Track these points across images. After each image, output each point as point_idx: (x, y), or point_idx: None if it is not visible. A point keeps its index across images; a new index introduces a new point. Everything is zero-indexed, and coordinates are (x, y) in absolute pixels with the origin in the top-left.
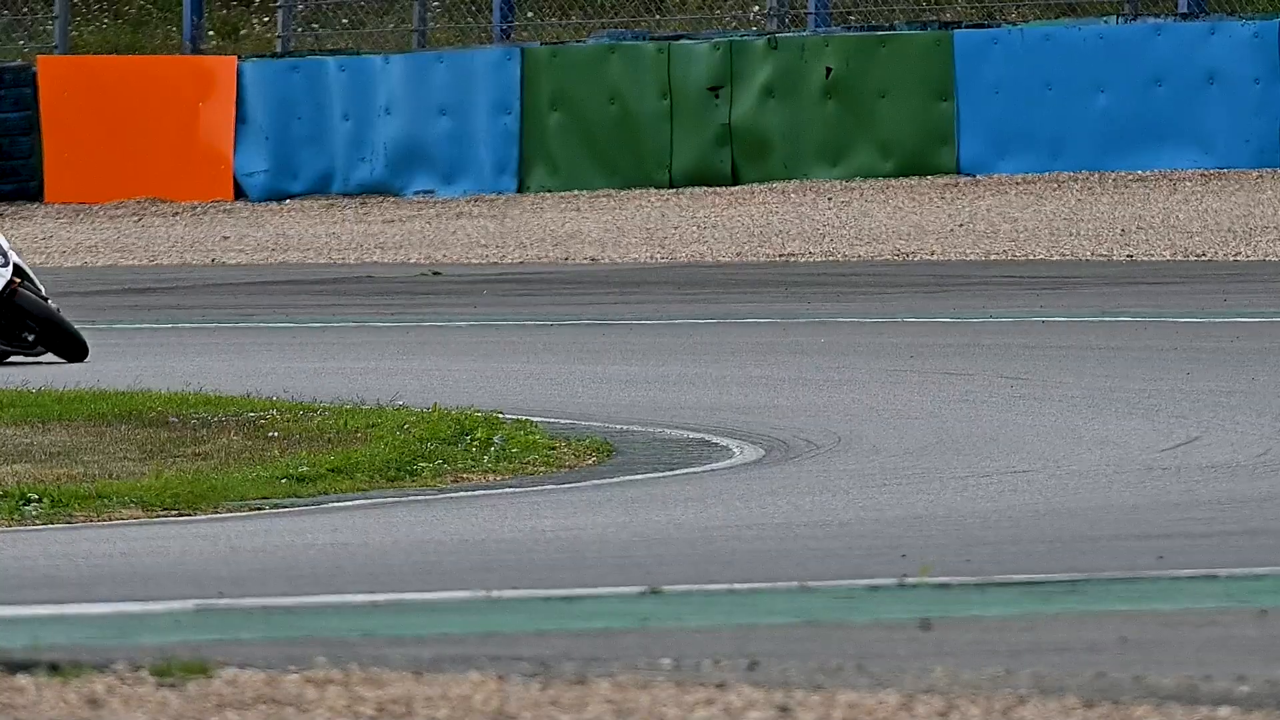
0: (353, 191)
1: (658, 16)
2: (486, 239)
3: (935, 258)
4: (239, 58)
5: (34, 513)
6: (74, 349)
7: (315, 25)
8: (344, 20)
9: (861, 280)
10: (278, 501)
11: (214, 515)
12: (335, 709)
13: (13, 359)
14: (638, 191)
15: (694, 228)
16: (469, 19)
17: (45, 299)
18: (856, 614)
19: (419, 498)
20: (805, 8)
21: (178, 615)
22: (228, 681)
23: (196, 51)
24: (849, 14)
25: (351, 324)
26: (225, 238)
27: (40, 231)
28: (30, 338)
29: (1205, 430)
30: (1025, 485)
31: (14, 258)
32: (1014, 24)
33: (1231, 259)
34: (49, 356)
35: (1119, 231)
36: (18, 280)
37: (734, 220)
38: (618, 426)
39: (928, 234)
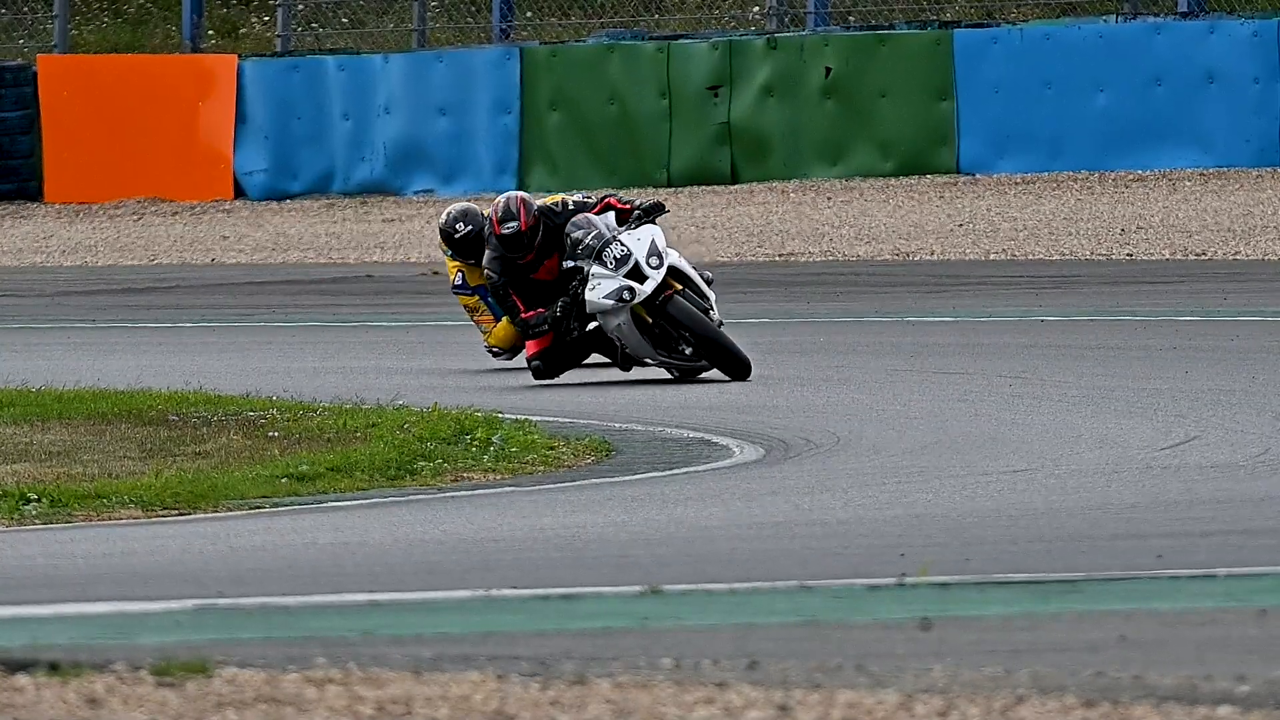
0: (353, 191)
1: (657, 16)
2: None
3: (935, 257)
4: (239, 57)
5: (33, 512)
6: (734, 366)
7: (315, 25)
8: (344, 20)
9: (861, 280)
10: (278, 501)
11: (214, 514)
12: (335, 708)
13: (703, 375)
14: (637, 191)
15: (693, 227)
16: (469, 19)
17: (707, 310)
18: (856, 613)
19: (419, 497)
20: (805, 7)
21: (177, 615)
22: (227, 681)
23: (196, 51)
24: (848, 14)
25: (351, 324)
26: (225, 237)
27: (40, 231)
28: (688, 350)
29: (1204, 429)
30: (1024, 484)
31: (673, 259)
32: (1013, 23)
33: (1231, 258)
34: (715, 373)
35: (1118, 231)
36: (678, 286)
37: (733, 220)
38: (617, 426)
39: (927, 233)
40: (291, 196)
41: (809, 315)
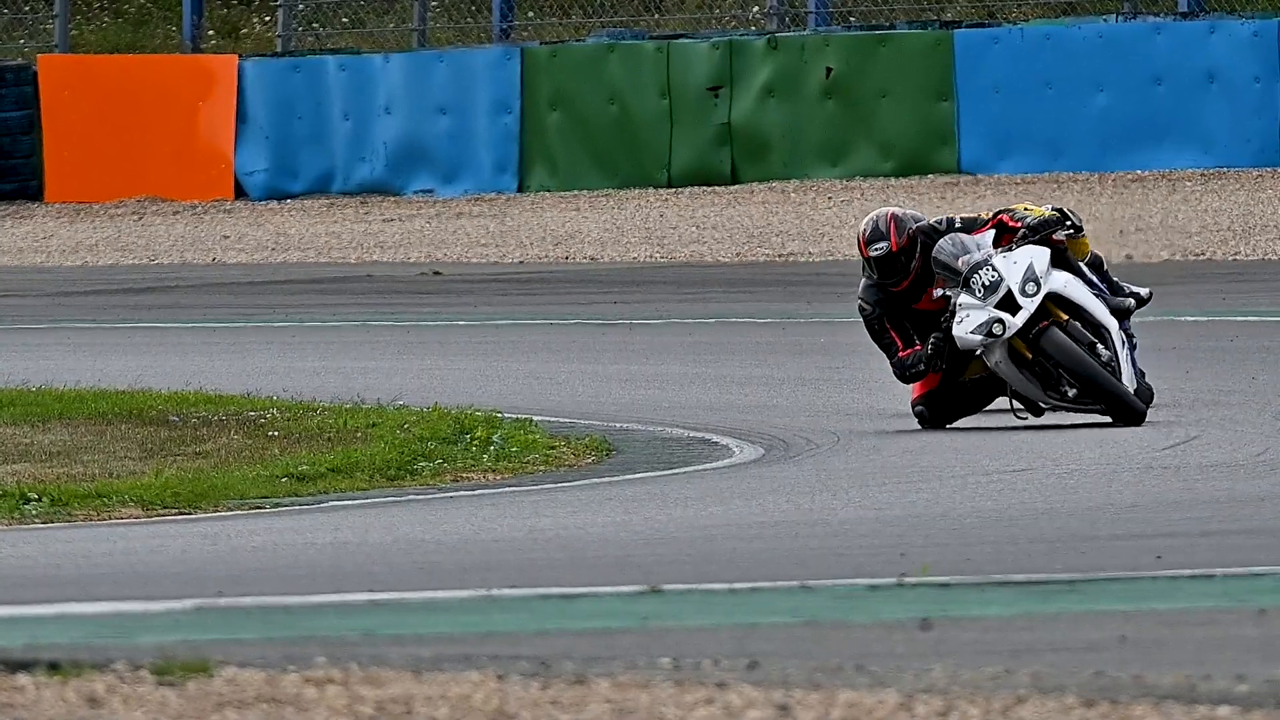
0: (353, 191)
1: (657, 16)
2: (486, 238)
3: None
4: (239, 57)
5: (34, 512)
6: (1121, 411)
7: (316, 24)
8: (344, 19)
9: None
10: (278, 500)
11: (214, 514)
12: (335, 708)
13: (1085, 414)
14: (637, 191)
15: (693, 227)
16: (469, 18)
17: (1092, 343)
18: (856, 613)
19: (419, 497)
20: (805, 7)
21: (177, 614)
22: (227, 681)
23: (197, 51)
24: (849, 14)
25: (351, 323)
26: (226, 237)
27: (41, 231)
28: (1070, 392)
29: (1204, 429)
30: (1024, 484)
31: (1058, 285)
32: (1014, 23)
33: (1231, 259)
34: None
35: (1118, 232)
36: (1062, 316)
37: (733, 220)
38: (617, 425)
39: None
40: (292, 196)
41: (809, 315)
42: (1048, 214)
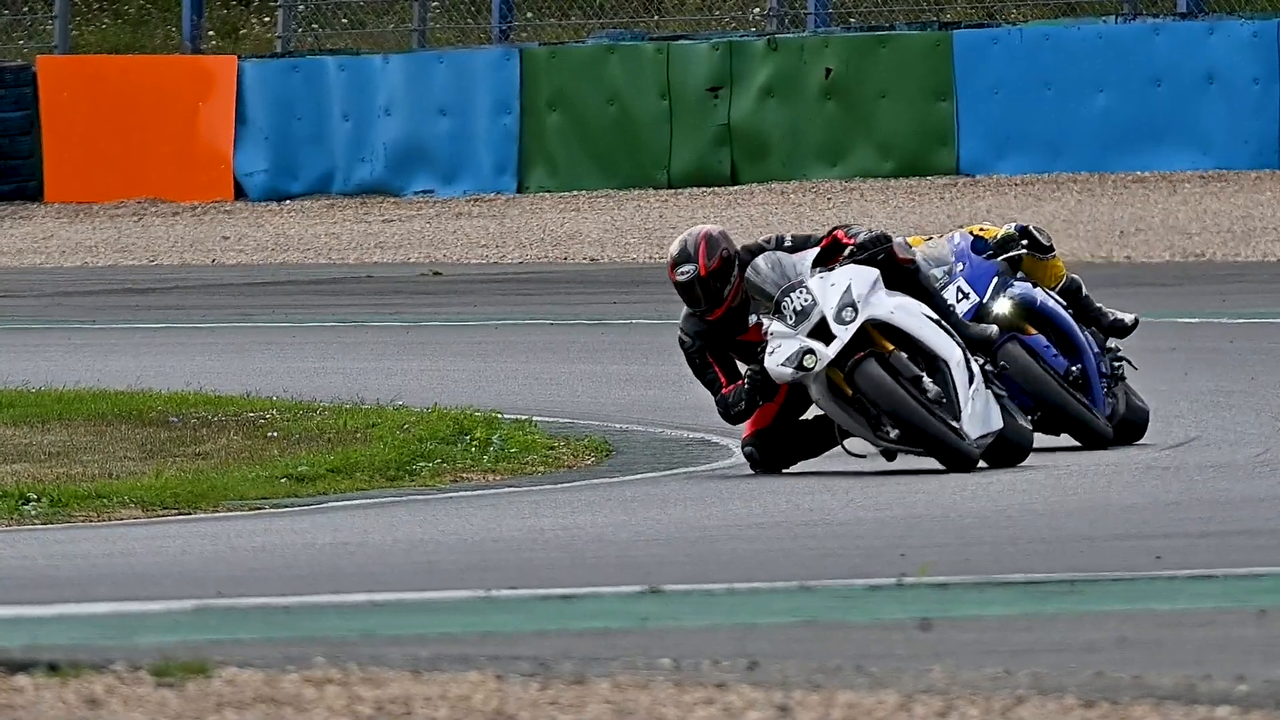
0: (352, 191)
1: (657, 17)
2: (486, 239)
3: None
4: (239, 57)
5: (33, 512)
6: (945, 456)
7: (315, 25)
8: (344, 20)
9: None
10: (277, 501)
11: (213, 515)
12: (334, 708)
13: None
14: (637, 192)
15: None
16: (469, 19)
17: (917, 377)
18: (855, 614)
19: (418, 497)
20: (805, 8)
21: (177, 615)
22: (227, 681)
23: (196, 51)
24: (849, 15)
25: (351, 324)
26: (225, 238)
27: (40, 231)
28: (892, 433)
29: (1203, 430)
30: (1024, 485)
31: (882, 311)
32: (1013, 24)
33: (1230, 260)
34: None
35: (1118, 233)
36: (889, 346)
37: (733, 221)
38: (617, 426)
39: (927, 235)
40: (292, 197)
41: None
42: (1005, 232)
